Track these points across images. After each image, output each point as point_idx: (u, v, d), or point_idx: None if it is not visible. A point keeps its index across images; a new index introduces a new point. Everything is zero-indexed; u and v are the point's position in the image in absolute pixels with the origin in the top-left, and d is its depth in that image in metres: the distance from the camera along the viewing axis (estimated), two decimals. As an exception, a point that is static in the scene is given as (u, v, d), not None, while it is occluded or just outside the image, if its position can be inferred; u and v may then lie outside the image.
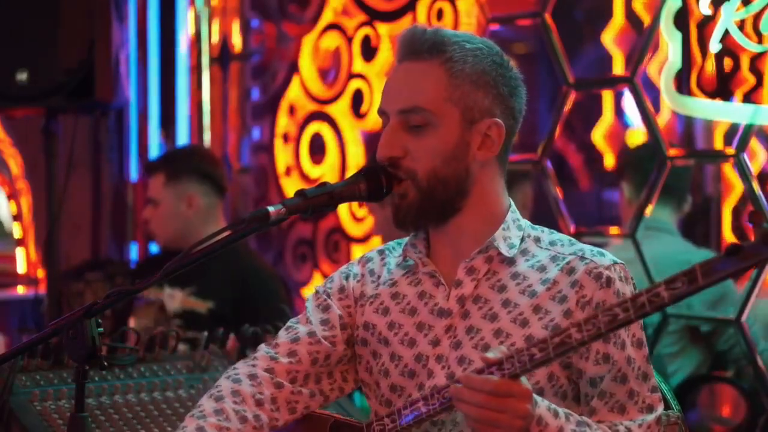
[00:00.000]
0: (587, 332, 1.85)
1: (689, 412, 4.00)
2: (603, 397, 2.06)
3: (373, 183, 2.11)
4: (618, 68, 4.29)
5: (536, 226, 2.21)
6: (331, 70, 5.14)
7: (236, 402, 2.15)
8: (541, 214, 4.31)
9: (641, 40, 3.96)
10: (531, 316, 2.08)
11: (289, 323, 2.27)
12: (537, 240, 2.16)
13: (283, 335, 2.25)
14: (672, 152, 3.90)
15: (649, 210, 3.95)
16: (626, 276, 2.11)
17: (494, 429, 1.91)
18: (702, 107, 3.69)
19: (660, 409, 2.09)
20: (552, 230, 2.21)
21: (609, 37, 4.28)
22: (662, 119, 4.10)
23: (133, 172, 5.73)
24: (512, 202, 2.19)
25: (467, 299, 2.13)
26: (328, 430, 2.16)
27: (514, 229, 2.15)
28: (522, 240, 2.15)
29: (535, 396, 1.95)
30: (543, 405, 1.96)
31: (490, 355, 1.91)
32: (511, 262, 2.13)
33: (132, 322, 4.14)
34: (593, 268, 2.08)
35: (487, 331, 2.09)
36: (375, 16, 4.93)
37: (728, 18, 3.55)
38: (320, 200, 2.09)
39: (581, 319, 1.86)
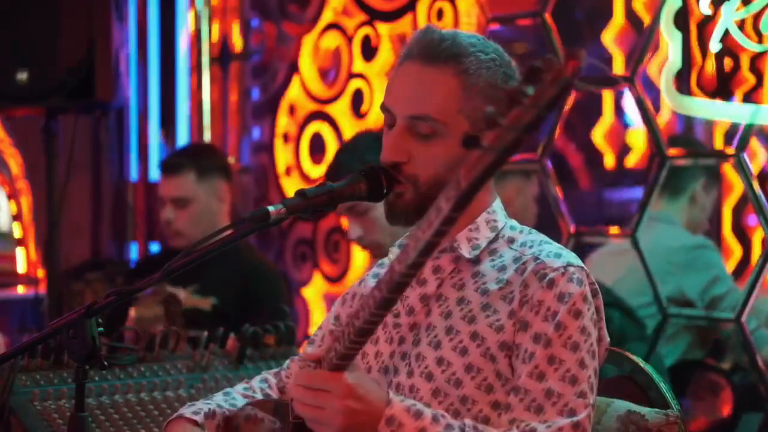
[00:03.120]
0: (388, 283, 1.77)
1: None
2: (518, 393, 2.01)
3: (373, 183, 2.11)
4: (618, 68, 4.29)
5: (518, 226, 2.17)
6: (331, 70, 5.14)
7: (262, 382, 2.32)
8: (542, 214, 4.32)
9: (641, 40, 3.96)
10: (479, 313, 2.06)
11: (314, 336, 2.36)
12: (510, 241, 2.13)
13: (309, 350, 2.33)
14: (672, 152, 3.90)
15: (650, 209, 3.95)
16: (580, 278, 2.04)
17: (321, 427, 1.89)
18: (702, 107, 3.69)
19: (582, 416, 1.98)
20: (534, 231, 2.17)
21: (609, 37, 4.28)
22: (662, 119, 4.11)
23: (133, 172, 5.73)
24: (495, 202, 2.17)
25: (430, 298, 2.13)
26: (272, 412, 2.16)
27: (485, 230, 2.13)
28: (494, 240, 2.14)
29: (392, 396, 1.93)
30: (401, 405, 1.92)
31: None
32: (476, 262, 2.12)
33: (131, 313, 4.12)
34: (541, 269, 2.04)
35: (440, 329, 2.08)
36: (375, 15, 4.93)
37: (728, 18, 3.55)
38: (320, 200, 2.09)
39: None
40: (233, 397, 2.27)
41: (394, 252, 2.22)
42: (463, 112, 2.08)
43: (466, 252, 2.12)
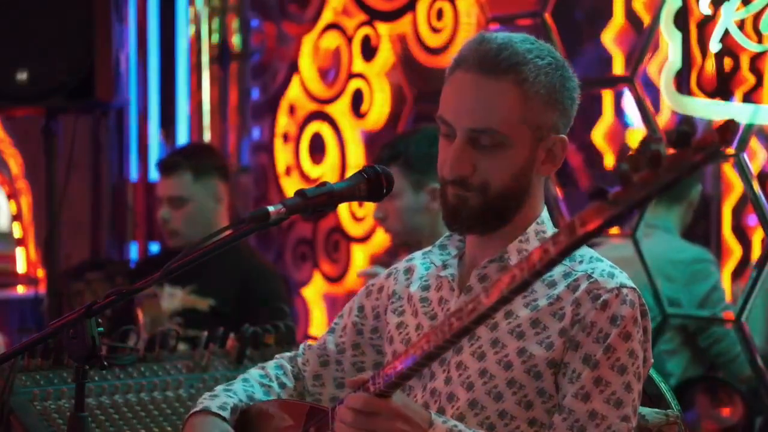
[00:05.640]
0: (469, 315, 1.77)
1: (686, 412, 4.00)
2: (561, 413, 2.01)
3: (373, 183, 2.11)
4: (618, 68, 4.29)
5: None
6: (331, 70, 5.14)
7: (277, 368, 2.31)
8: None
9: (641, 40, 3.96)
10: (528, 329, 2.05)
11: (334, 324, 2.34)
12: None
13: (329, 339, 2.33)
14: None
15: (649, 210, 3.95)
16: (633, 300, 2.04)
17: None
18: (702, 107, 3.69)
19: None
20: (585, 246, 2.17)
21: (609, 37, 4.28)
22: (662, 119, 4.10)
23: (133, 172, 5.73)
24: (544, 212, 2.15)
25: None
26: (305, 416, 2.17)
27: (534, 241, 2.10)
28: None
29: (434, 417, 1.94)
30: (443, 427, 1.94)
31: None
32: None
33: (139, 315, 4.13)
34: (594, 289, 2.03)
35: (485, 340, 2.07)
36: (375, 15, 4.93)
37: (728, 18, 3.55)
38: (320, 200, 2.08)
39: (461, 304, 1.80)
40: (252, 385, 2.26)
41: (435, 252, 2.21)
42: (524, 121, 2.06)
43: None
